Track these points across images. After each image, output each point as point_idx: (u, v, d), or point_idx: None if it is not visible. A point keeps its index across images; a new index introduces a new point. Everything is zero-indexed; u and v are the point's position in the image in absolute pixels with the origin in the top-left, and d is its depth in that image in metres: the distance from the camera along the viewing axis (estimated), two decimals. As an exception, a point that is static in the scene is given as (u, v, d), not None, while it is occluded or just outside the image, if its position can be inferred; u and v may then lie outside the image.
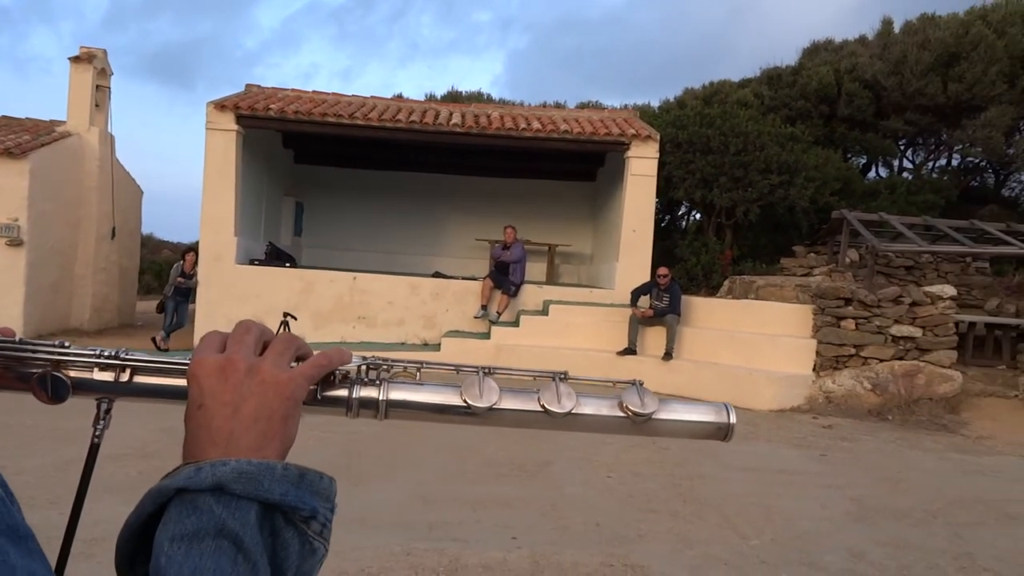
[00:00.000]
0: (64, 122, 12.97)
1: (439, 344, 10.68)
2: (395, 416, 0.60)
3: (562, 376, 0.62)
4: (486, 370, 0.61)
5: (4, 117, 13.21)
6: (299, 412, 0.53)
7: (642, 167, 11.19)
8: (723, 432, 0.62)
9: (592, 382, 0.66)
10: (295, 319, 7.27)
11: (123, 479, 4.74)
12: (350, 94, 12.89)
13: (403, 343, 11.24)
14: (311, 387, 0.57)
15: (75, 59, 12.94)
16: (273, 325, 7.56)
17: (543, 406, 0.60)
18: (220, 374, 0.51)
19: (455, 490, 4.93)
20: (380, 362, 0.61)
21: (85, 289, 13.12)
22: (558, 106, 20.87)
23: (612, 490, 5.09)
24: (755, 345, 9.20)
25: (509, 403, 0.60)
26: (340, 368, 0.58)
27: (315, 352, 0.57)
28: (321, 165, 15.25)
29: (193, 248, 11.71)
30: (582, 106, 21.12)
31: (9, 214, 11.18)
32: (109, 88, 13.60)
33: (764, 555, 3.99)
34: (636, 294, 10.12)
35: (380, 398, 0.59)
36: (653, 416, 0.60)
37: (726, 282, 11.43)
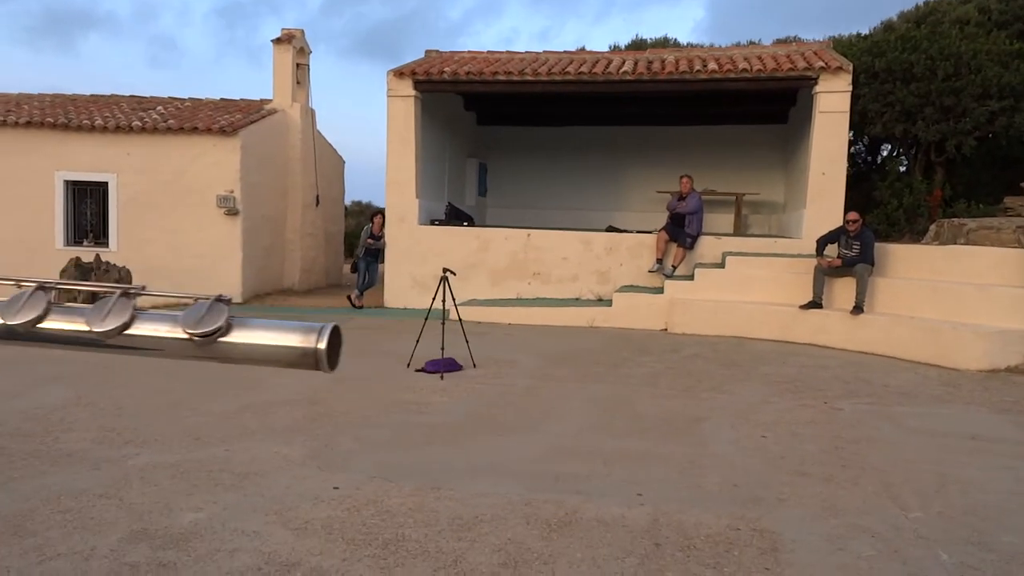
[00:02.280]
0: (271, 100, 14.21)
1: (611, 300, 10.53)
2: None
3: (135, 290, 0.53)
4: (42, 284, 0.54)
5: (222, 100, 14.71)
6: None
7: (832, 103, 10.17)
8: (310, 359, 0.51)
9: (182, 298, 0.56)
10: (454, 274, 7.48)
11: (287, 422, 5.17)
12: (522, 51, 12.89)
13: (577, 299, 11.22)
14: None
15: (277, 41, 14.08)
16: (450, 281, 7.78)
17: (87, 324, 0.51)
18: None
19: (594, 443, 4.85)
20: None
21: (295, 253, 14.42)
22: (751, 44, 19.53)
23: (763, 450, 4.75)
24: (962, 296, 8.11)
25: (55, 322, 0.52)
26: None
27: None
28: (502, 125, 15.47)
29: (381, 211, 12.40)
30: (779, 43, 19.59)
31: (225, 187, 12.49)
32: (308, 65, 14.67)
33: (925, 530, 3.53)
34: (822, 242, 9.30)
35: None
36: (218, 338, 0.50)
37: (932, 226, 10.15)
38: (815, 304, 9.09)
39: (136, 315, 0.52)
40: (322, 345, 0.51)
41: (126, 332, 0.51)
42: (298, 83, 14.34)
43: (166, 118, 13.06)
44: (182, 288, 12.28)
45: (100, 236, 13.02)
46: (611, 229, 11.97)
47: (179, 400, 5.80)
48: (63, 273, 10.45)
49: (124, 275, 10.73)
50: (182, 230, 12.55)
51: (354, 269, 12.45)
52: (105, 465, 4.16)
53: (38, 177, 12.72)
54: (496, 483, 4.03)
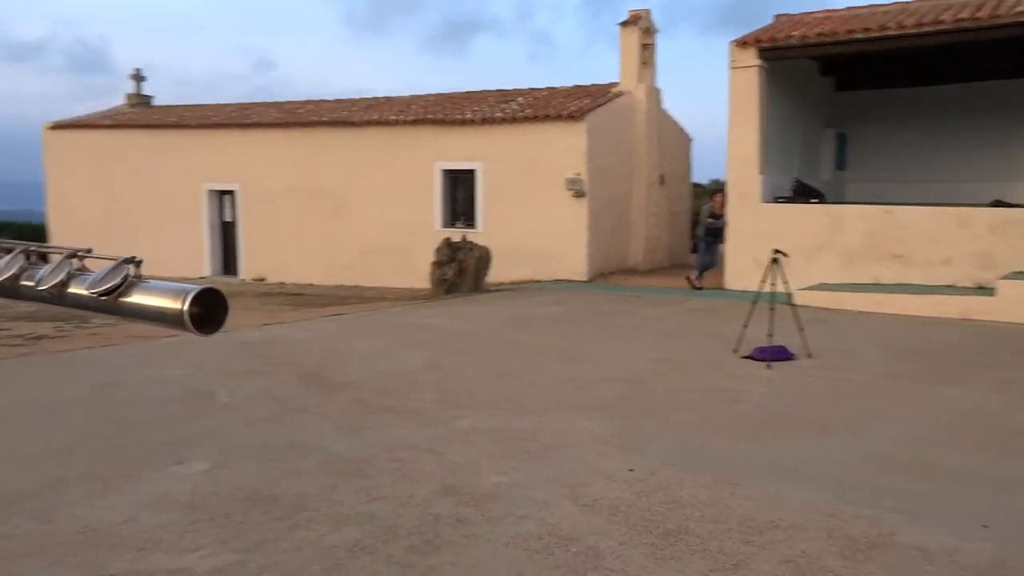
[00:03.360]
0: (618, 83, 14.58)
1: (995, 288, 8.90)
2: None
3: (82, 252, 0.59)
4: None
5: (575, 86, 15.46)
6: None
7: None
8: (177, 319, 0.52)
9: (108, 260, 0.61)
10: (786, 256, 6.98)
11: (602, 398, 5.31)
12: (887, 2, 11.38)
13: (950, 286, 9.69)
14: None
15: (623, 23, 14.37)
16: (792, 263, 7.30)
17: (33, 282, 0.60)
18: None
19: (932, 457, 4.17)
20: None
21: (638, 233, 14.68)
22: None
23: None
24: None
25: (24, 280, 0.62)
26: None
27: None
28: (864, 90, 13.94)
29: (722, 189, 12.02)
30: None
31: (573, 170, 13.16)
32: (654, 45, 14.74)
33: None
34: None
35: None
36: (119, 298, 0.54)
37: None
38: None
39: (73, 275, 0.59)
40: (185, 307, 0.52)
41: (67, 290, 0.59)
42: (644, 64, 14.48)
43: (523, 108, 14.17)
44: (537, 268, 13.36)
45: (470, 219, 14.63)
46: (997, 204, 10.12)
47: (512, 369, 6.31)
48: (437, 251, 11.99)
49: (484, 254, 11.93)
50: (535, 212, 13.54)
51: (694, 249, 12.27)
52: (437, 424, 4.71)
53: (422, 167, 14.69)
54: (802, 487, 3.69)
